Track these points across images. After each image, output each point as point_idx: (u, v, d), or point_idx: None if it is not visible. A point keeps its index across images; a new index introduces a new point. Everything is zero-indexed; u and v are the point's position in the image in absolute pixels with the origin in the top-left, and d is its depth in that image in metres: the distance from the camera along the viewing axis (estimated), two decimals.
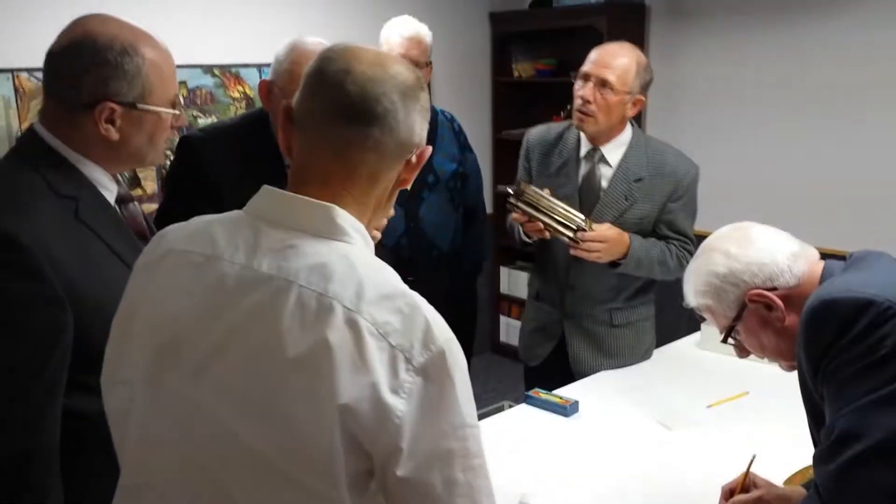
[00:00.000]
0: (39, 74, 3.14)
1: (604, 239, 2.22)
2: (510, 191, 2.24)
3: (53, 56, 1.35)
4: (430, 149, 1.09)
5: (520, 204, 2.22)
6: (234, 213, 1.06)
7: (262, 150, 1.96)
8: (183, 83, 3.44)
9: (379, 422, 0.91)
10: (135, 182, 3.40)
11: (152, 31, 1.42)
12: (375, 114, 1.00)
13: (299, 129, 1.04)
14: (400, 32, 2.56)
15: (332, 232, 1.00)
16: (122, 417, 1.08)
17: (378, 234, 1.15)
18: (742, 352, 1.50)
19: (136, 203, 1.52)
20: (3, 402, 1.24)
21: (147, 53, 1.37)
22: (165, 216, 2.04)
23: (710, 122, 3.98)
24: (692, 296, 1.49)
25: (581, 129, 2.32)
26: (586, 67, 2.28)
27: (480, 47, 4.66)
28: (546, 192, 2.27)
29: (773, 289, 1.37)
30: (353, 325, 0.92)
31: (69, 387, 1.30)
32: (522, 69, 4.64)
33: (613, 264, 2.29)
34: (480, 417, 2.06)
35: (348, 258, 0.98)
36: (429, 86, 2.69)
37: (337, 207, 1.01)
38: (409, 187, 1.14)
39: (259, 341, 0.95)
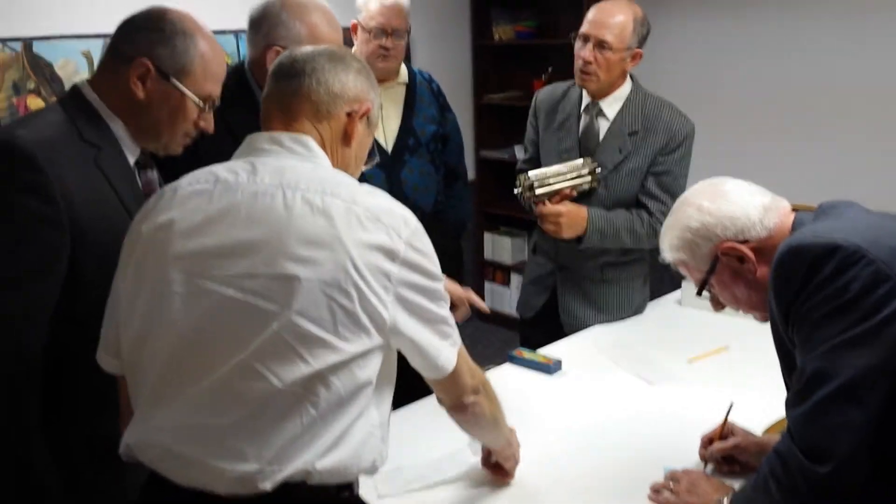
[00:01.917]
0: (13, 45, 3.11)
1: (558, 213, 2.27)
2: (517, 191, 2.34)
3: (129, 18, 1.48)
4: (368, 105, 1.33)
5: (535, 194, 2.30)
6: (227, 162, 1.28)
7: (239, 99, 1.94)
8: None
9: (378, 280, 1.15)
10: None
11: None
12: (304, 70, 1.29)
13: (262, 105, 1.33)
14: (381, 0, 2.52)
15: (310, 155, 1.26)
16: (141, 343, 1.20)
17: None
18: (717, 304, 1.53)
19: (154, 171, 1.59)
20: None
21: (201, 45, 1.48)
22: None
23: (685, 80, 3.98)
24: (667, 250, 1.51)
25: (584, 88, 2.38)
26: (585, 28, 2.31)
27: (460, 10, 4.62)
28: (542, 169, 2.34)
29: (745, 241, 1.40)
30: (353, 212, 1.16)
31: (56, 317, 1.36)
32: (503, 32, 4.61)
33: (578, 241, 2.33)
34: None
35: (333, 172, 1.26)
36: (408, 50, 2.66)
37: (308, 137, 1.27)
38: (368, 151, 1.40)
39: (275, 232, 1.15)
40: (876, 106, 3.49)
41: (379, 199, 1.22)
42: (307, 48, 1.34)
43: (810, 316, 1.22)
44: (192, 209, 1.21)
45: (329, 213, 1.15)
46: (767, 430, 1.72)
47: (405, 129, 2.62)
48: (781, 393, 1.67)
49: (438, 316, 1.25)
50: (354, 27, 2.56)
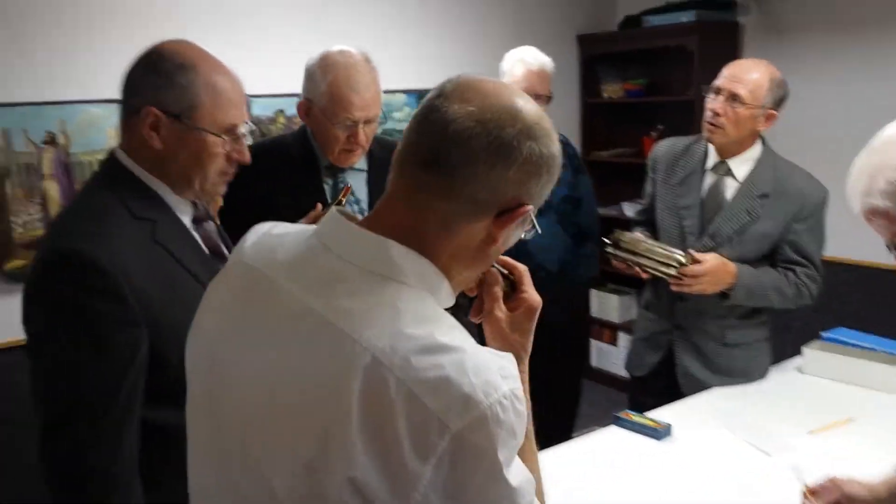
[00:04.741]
0: None
1: (704, 272, 2.20)
2: (607, 241, 2.31)
3: (130, 65, 1.41)
4: (528, 208, 0.95)
5: (618, 252, 2.28)
6: (306, 230, 1.01)
7: (303, 162, 2.03)
8: None
9: (400, 495, 0.82)
10: None
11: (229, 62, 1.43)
12: (447, 161, 0.90)
13: (391, 169, 0.97)
14: (526, 65, 2.63)
15: (386, 269, 0.91)
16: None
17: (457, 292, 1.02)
18: None
19: (211, 221, 1.54)
20: (84, 420, 1.30)
21: (205, 73, 1.38)
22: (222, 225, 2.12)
23: (814, 144, 3.83)
24: (864, 196, 1.29)
25: (710, 141, 2.34)
26: (718, 81, 2.30)
27: (568, 69, 4.65)
28: (642, 236, 2.32)
29: None
30: (382, 382, 0.82)
31: (150, 401, 1.35)
32: (611, 90, 4.60)
33: (724, 296, 2.27)
34: (570, 440, 2.05)
35: (395, 303, 0.88)
36: None
37: (395, 243, 0.91)
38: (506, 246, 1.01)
39: (285, 385, 0.88)
40: None
41: (432, 363, 0.83)
42: (470, 109, 0.90)
43: None
44: (232, 301, 1.00)
45: (350, 376, 0.83)
46: None
47: None
48: None
49: None
50: None
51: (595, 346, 4.89)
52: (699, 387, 2.37)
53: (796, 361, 2.54)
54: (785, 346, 2.57)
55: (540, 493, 0.98)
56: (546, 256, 2.68)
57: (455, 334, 0.88)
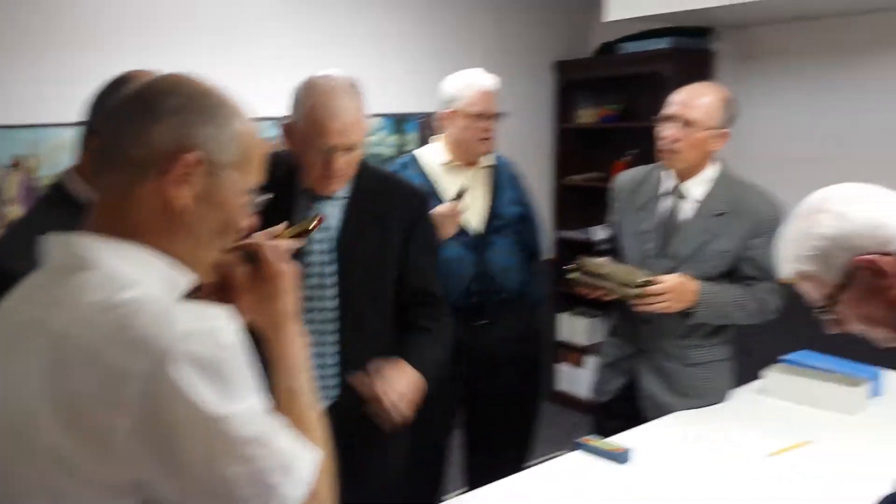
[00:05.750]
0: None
1: (666, 290, 2.22)
2: (570, 267, 2.34)
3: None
4: (192, 156, 0.95)
5: (582, 277, 2.31)
6: None
7: (281, 181, 1.96)
8: None
9: (102, 452, 0.84)
10: None
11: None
12: (107, 137, 0.98)
13: None
14: (479, 87, 2.61)
15: (75, 263, 0.94)
16: None
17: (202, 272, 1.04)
18: (836, 326, 1.35)
19: None
20: None
21: None
22: None
23: (785, 172, 3.85)
24: (792, 261, 1.35)
25: (669, 167, 2.36)
26: (670, 110, 2.32)
27: (544, 95, 4.68)
28: (603, 260, 2.35)
29: (887, 254, 1.25)
30: (63, 352, 0.87)
31: None
32: (586, 115, 4.64)
33: (687, 315, 2.28)
34: (533, 467, 2.02)
35: (81, 285, 0.91)
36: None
37: (74, 237, 0.96)
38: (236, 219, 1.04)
39: (14, 388, 0.92)
40: None
41: (105, 321, 0.87)
42: (117, 95, 1.02)
43: None
44: None
45: (33, 355, 0.90)
46: None
47: (492, 210, 2.67)
48: (868, 490, 1.56)
49: (237, 462, 0.87)
50: (448, 115, 2.63)
51: (562, 369, 4.88)
52: (662, 410, 2.36)
53: (757, 384, 2.55)
54: (746, 371, 2.58)
55: (321, 440, 1.02)
56: (507, 277, 2.66)
57: (143, 293, 0.90)
